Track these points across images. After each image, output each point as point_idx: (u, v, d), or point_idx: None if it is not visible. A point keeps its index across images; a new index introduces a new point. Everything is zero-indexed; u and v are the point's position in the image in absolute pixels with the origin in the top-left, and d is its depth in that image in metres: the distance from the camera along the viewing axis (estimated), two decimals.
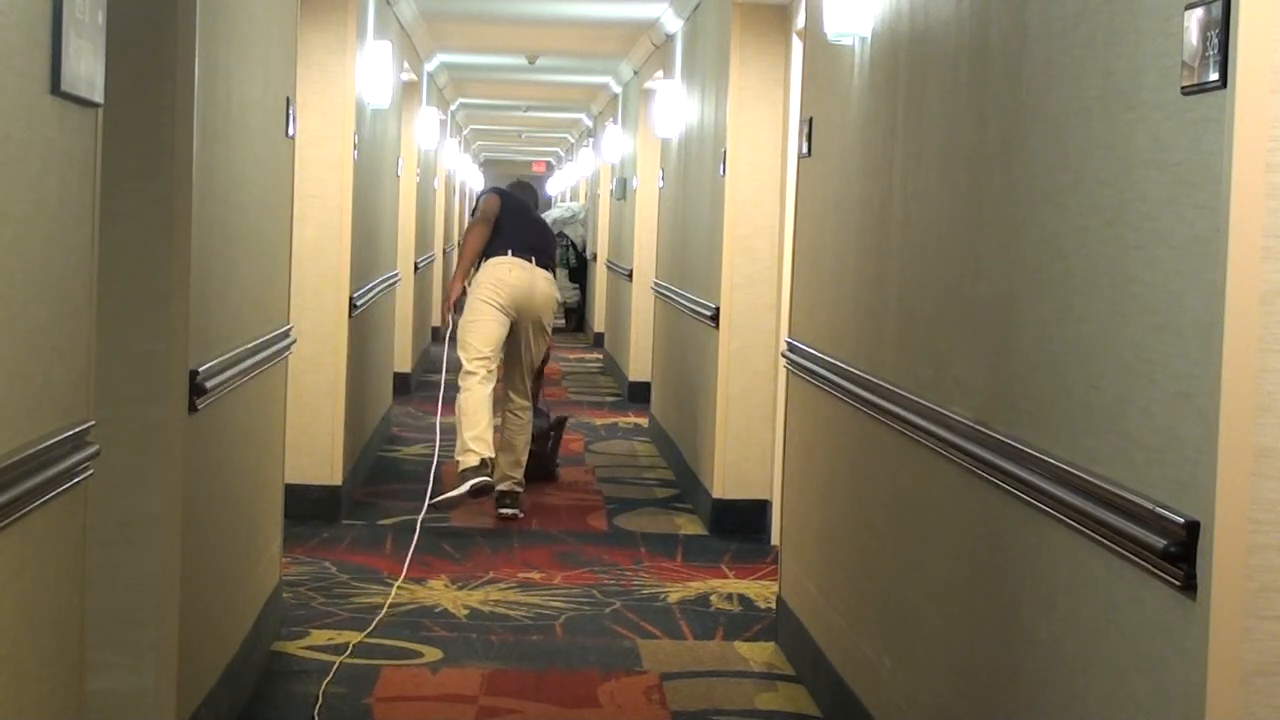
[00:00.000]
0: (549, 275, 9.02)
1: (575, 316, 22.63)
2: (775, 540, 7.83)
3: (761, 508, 8.47)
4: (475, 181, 33.83)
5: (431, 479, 8.81)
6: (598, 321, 19.24)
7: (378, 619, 6.52)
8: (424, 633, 6.37)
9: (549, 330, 9.12)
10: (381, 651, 6.08)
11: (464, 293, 9.10)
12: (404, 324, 13.79)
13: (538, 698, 5.64)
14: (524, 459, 8.99)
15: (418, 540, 7.86)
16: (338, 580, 7.18)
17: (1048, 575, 3.39)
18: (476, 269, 9.01)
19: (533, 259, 8.97)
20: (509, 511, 8.79)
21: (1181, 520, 2.72)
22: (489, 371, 8.78)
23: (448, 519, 8.73)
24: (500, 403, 9.04)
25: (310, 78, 8.21)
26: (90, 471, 3.32)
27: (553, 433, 10.06)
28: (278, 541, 6.26)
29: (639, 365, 14.28)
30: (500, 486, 8.80)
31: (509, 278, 8.86)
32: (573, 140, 26.50)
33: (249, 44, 5.19)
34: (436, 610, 6.72)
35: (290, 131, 6.05)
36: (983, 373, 3.89)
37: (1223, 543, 2.63)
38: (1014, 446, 3.58)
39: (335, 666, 5.82)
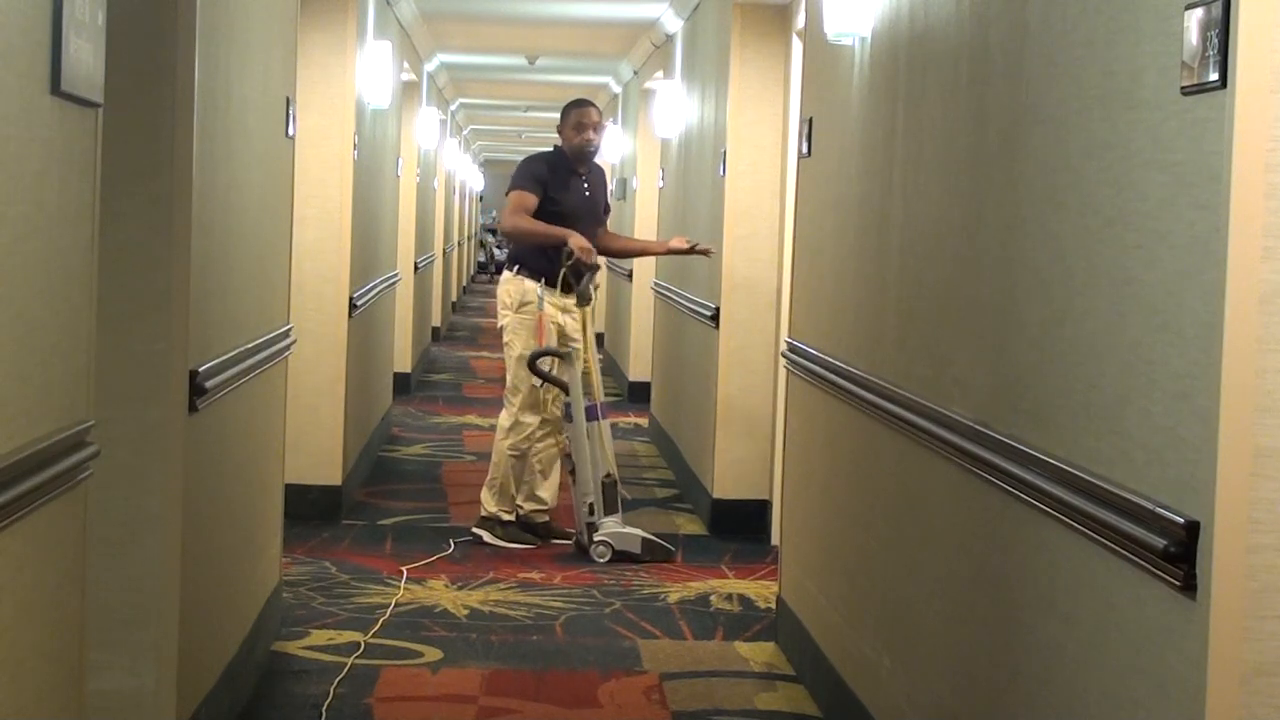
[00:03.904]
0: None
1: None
2: (775, 540, 7.82)
3: (761, 508, 8.47)
4: (475, 181, 33.76)
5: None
6: (598, 321, 19.24)
7: (382, 619, 6.52)
8: (424, 633, 6.37)
9: (506, 336, 8.11)
10: (382, 651, 6.08)
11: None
12: (404, 324, 13.78)
13: (538, 698, 5.64)
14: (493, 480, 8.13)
15: (417, 540, 7.85)
16: (338, 580, 7.18)
17: (1048, 575, 3.39)
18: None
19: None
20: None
21: (1181, 520, 2.72)
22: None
23: (448, 518, 8.74)
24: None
25: (310, 78, 8.20)
26: (90, 471, 3.32)
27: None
28: (278, 541, 6.26)
29: (639, 365, 14.28)
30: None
31: None
32: None
33: (249, 44, 5.19)
34: (436, 610, 6.72)
35: (290, 131, 6.05)
36: (983, 373, 3.89)
37: (1223, 543, 2.63)
38: (1014, 446, 3.58)
39: (347, 667, 5.82)
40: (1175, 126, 2.83)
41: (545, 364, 7.90)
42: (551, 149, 8.35)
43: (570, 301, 8.13)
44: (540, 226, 8.05)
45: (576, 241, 7.92)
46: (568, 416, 7.91)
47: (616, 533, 7.75)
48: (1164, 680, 2.81)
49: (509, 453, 7.98)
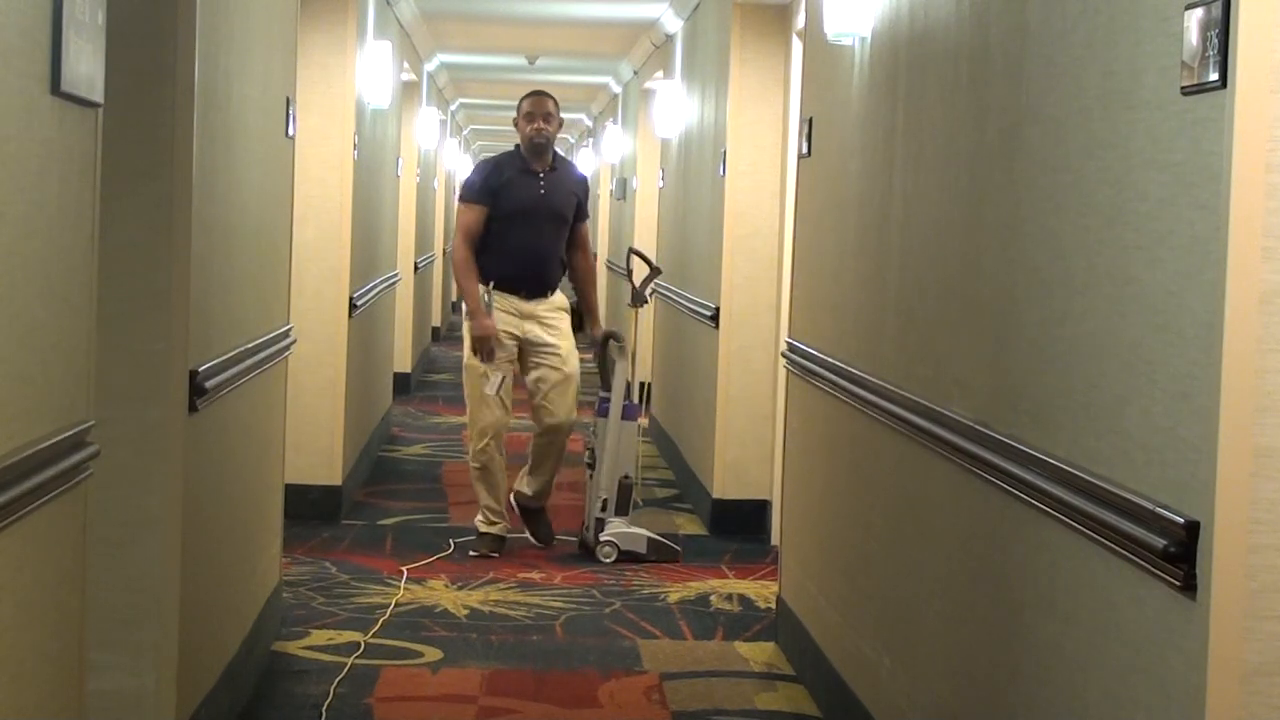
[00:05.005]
0: None
1: (575, 316, 22.58)
2: (775, 540, 7.82)
3: (761, 508, 8.47)
4: None
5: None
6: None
7: (382, 619, 6.52)
8: (424, 633, 6.37)
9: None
10: (382, 651, 6.08)
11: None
12: (404, 324, 13.79)
13: (538, 698, 5.64)
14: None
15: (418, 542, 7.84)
16: (338, 580, 7.18)
17: (1048, 575, 3.39)
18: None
19: None
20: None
21: (1181, 520, 2.72)
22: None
23: (447, 518, 8.74)
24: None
25: (310, 78, 8.20)
26: (90, 471, 3.31)
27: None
28: (278, 541, 6.26)
29: (639, 365, 14.27)
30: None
31: None
32: (573, 140, 26.51)
33: (249, 44, 5.19)
34: (436, 610, 6.72)
35: (290, 131, 6.05)
36: (983, 373, 3.89)
37: (1223, 543, 2.63)
38: (1014, 446, 3.58)
39: (347, 667, 5.82)
40: (1175, 126, 2.83)
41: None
42: (513, 147, 7.94)
43: (532, 306, 7.70)
44: (469, 285, 7.57)
45: (478, 332, 7.53)
46: (602, 412, 7.89)
47: (623, 533, 7.74)
48: (1164, 680, 2.81)
49: (472, 464, 7.76)
